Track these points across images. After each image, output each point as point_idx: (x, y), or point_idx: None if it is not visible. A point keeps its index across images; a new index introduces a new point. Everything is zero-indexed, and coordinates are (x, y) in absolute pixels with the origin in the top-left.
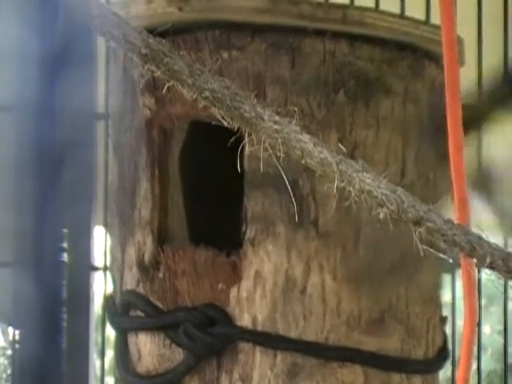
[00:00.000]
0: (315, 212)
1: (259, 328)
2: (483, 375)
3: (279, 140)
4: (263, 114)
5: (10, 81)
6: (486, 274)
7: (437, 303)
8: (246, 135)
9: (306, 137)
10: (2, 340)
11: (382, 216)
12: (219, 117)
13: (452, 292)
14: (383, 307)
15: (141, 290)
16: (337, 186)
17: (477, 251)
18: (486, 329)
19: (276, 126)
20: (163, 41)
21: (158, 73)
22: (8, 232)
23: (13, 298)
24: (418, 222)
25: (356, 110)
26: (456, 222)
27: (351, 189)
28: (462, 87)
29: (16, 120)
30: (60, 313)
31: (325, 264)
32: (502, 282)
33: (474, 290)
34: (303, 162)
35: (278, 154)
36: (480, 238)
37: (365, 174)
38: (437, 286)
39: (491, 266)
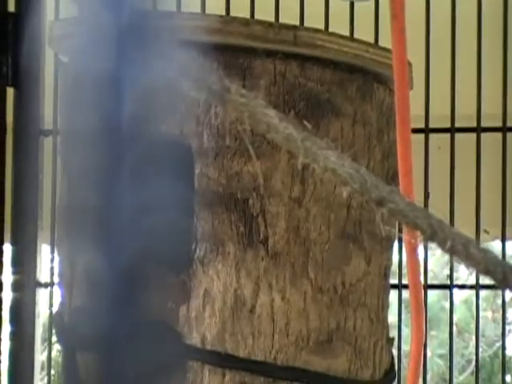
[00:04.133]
0: (265, 232)
1: (208, 347)
2: None
3: (246, 113)
4: (230, 86)
5: (85, 55)
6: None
7: (384, 324)
8: None
9: (272, 111)
10: None
11: (345, 195)
12: (186, 88)
13: (398, 312)
14: (331, 328)
15: (89, 306)
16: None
17: (438, 235)
18: (427, 352)
19: (242, 99)
20: None
21: None
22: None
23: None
24: (380, 203)
25: (306, 130)
26: None
27: (316, 166)
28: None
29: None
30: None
31: (274, 284)
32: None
33: (422, 310)
34: (269, 136)
35: (244, 127)
36: (441, 221)
37: (329, 151)
38: (384, 306)
39: (452, 251)
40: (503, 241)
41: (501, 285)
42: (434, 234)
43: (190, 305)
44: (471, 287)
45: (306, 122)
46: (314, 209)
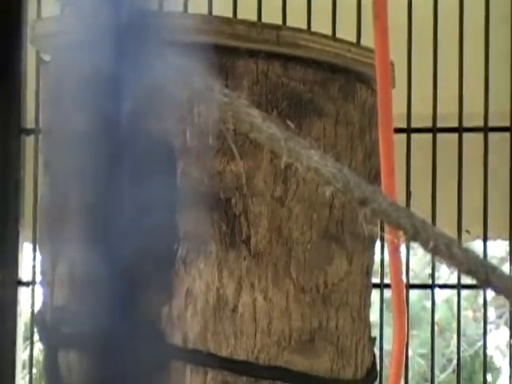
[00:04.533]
0: (247, 231)
1: (190, 346)
2: None
3: (229, 113)
4: (213, 86)
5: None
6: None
7: (366, 323)
8: None
9: (255, 111)
10: None
11: (327, 194)
12: (169, 88)
13: (380, 312)
14: (314, 327)
15: (72, 306)
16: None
17: (420, 235)
18: (409, 351)
19: (226, 99)
20: None
21: None
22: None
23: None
24: (363, 202)
25: (289, 130)
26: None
27: (299, 165)
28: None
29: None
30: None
31: (256, 283)
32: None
33: (404, 309)
34: (252, 135)
35: (228, 126)
36: (424, 221)
37: (312, 151)
38: (366, 306)
39: (434, 251)
40: (485, 241)
41: (483, 285)
42: (417, 233)
43: (173, 304)
44: (453, 287)
45: (288, 122)
46: (296, 208)
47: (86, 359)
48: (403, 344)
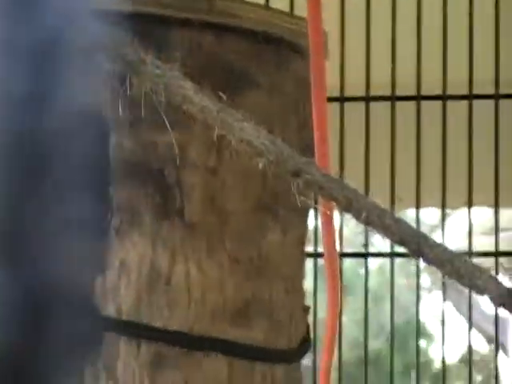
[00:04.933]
0: (181, 202)
1: (123, 318)
2: (339, 364)
3: (161, 85)
4: (145, 58)
5: None
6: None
7: (300, 294)
8: None
9: (187, 83)
10: None
11: (261, 166)
12: (101, 59)
13: (314, 281)
14: (248, 298)
15: None
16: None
17: (353, 206)
18: (343, 319)
19: (158, 71)
20: None
21: None
22: None
23: None
24: (296, 174)
25: (222, 102)
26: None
27: (231, 137)
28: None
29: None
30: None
31: (190, 255)
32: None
33: (337, 278)
34: (185, 107)
35: (160, 98)
36: (356, 192)
37: (245, 123)
38: (300, 276)
39: (367, 222)
40: (417, 208)
41: (415, 255)
42: (349, 204)
43: (106, 276)
44: (386, 255)
45: (221, 94)
46: (230, 180)
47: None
48: (337, 312)
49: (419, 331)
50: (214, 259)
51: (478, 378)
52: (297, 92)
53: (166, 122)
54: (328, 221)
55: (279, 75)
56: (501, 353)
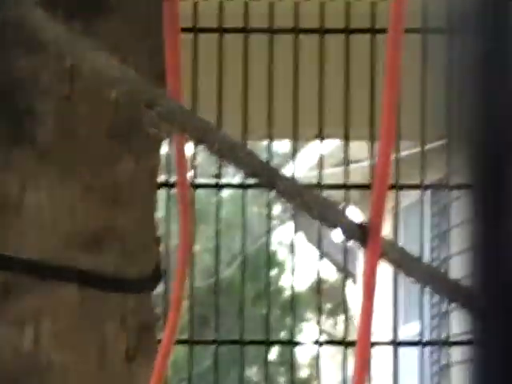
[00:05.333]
0: (32, 130)
1: None
2: (190, 292)
3: (16, 16)
4: None
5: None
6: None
7: (152, 223)
8: None
9: (39, 11)
10: None
11: (113, 96)
12: None
13: (166, 209)
14: (100, 227)
15: None
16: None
17: (205, 137)
18: (195, 247)
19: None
20: None
21: None
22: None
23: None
24: (149, 105)
25: (73, 29)
26: None
27: (83, 67)
28: None
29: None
30: None
31: (41, 183)
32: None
33: (189, 207)
34: (37, 35)
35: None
36: (208, 124)
37: (97, 52)
38: (152, 206)
39: (219, 154)
40: (270, 140)
41: (267, 187)
42: (202, 136)
43: None
44: (238, 186)
45: (74, 22)
46: (82, 108)
47: None
48: (188, 241)
49: (270, 260)
50: (65, 187)
51: (327, 305)
52: (150, 20)
53: (18, 49)
54: (180, 151)
55: (133, 2)
56: (350, 281)
